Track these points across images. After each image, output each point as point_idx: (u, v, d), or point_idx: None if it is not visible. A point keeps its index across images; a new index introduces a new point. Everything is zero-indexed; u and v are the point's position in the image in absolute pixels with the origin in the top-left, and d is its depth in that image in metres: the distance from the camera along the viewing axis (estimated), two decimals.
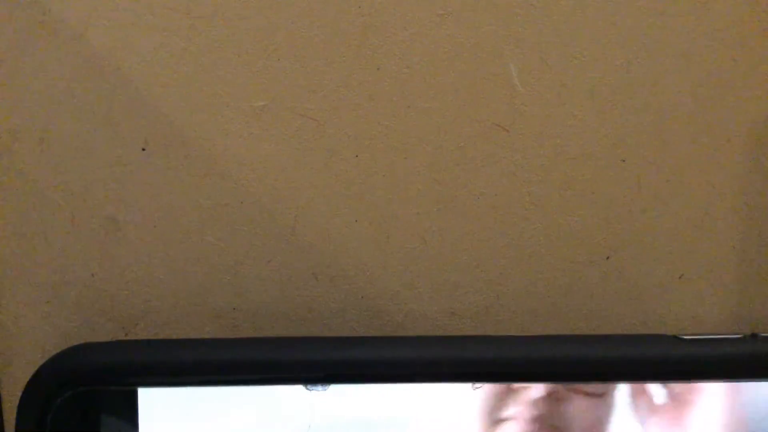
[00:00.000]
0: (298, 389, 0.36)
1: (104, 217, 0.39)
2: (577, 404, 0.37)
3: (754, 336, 0.37)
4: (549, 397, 0.37)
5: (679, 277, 0.41)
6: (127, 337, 0.39)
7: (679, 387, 0.37)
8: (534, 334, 0.40)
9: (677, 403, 0.37)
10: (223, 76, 0.38)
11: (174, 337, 0.39)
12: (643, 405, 0.37)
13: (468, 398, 0.37)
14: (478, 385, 0.37)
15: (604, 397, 0.37)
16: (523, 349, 0.37)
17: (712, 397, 0.37)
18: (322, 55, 0.38)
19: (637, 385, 0.37)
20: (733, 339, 0.37)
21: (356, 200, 0.39)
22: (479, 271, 0.40)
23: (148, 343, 0.37)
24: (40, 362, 0.36)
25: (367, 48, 0.38)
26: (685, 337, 0.37)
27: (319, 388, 0.36)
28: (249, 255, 0.39)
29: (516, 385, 0.36)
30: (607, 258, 0.40)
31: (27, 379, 0.36)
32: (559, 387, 0.37)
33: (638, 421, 0.37)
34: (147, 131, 0.38)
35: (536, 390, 0.37)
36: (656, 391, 0.37)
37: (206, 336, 0.40)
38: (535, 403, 0.37)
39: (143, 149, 0.38)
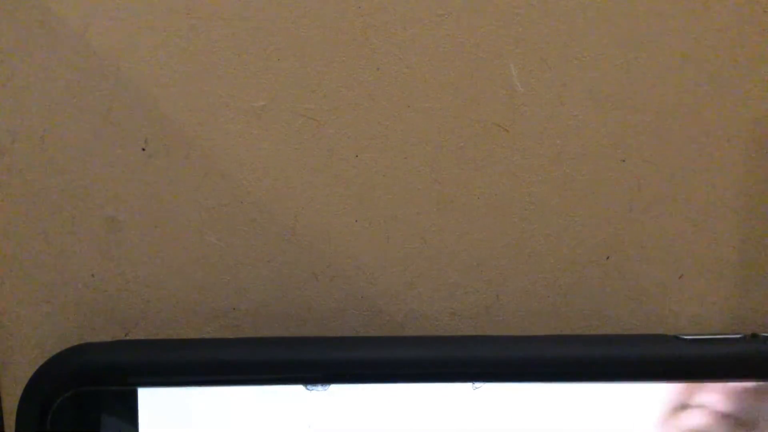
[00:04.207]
0: (298, 389, 0.36)
1: (104, 217, 0.39)
2: None
3: (754, 336, 0.37)
4: None
5: (679, 277, 0.41)
6: (127, 337, 0.39)
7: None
8: (534, 334, 0.40)
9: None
10: (223, 76, 0.38)
11: (174, 337, 0.39)
12: None
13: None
14: (478, 385, 0.37)
15: None
16: (523, 349, 0.37)
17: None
18: (322, 55, 0.38)
19: None
20: (733, 339, 0.37)
21: (356, 200, 0.39)
22: (479, 271, 0.40)
23: (148, 343, 0.38)
24: (40, 362, 0.36)
25: (367, 48, 0.38)
26: (685, 337, 0.37)
27: (319, 388, 0.36)
28: (249, 255, 0.39)
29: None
30: (607, 258, 0.40)
31: (27, 379, 0.36)
32: None
33: None
34: (147, 131, 0.38)
35: None
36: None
37: (206, 336, 0.40)
38: None
39: (143, 149, 0.38)
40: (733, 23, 0.39)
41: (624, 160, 0.40)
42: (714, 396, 0.37)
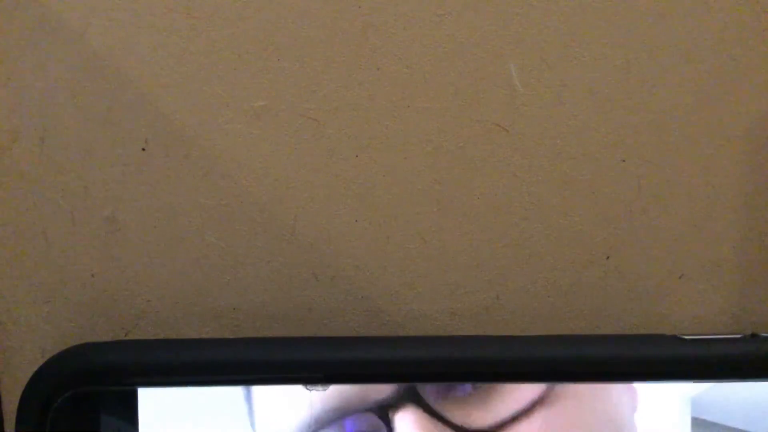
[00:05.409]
0: (298, 389, 0.36)
1: (104, 217, 0.39)
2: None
3: (754, 336, 0.37)
4: None
5: (679, 277, 0.41)
6: (127, 337, 0.39)
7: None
8: (534, 334, 0.40)
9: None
10: (223, 76, 0.38)
11: (174, 337, 0.39)
12: None
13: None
14: (478, 384, 0.37)
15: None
16: (523, 349, 0.37)
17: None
18: (322, 55, 0.38)
19: None
20: (733, 339, 0.37)
21: (356, 200, 0.39)
22: (479, 271, 0.40)
23: (148, 343, 0.38)
24: (40, 362, 0.36)
25: (367, 48, 0.38)
26: (685, 337, 0.37)
27: (319, 388, 0.36)
28: (249, 255, 0.39)
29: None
30: (607, 258, 0.40)
31: (27, 379, 0.36)
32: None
33: None
34: (147, 131, 0.38)
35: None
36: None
37: (206, 336, 0.40)
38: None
39: (143, 149, 0.38)
40: (733, 23, 0.39)
41: (624, 160, 0.40)
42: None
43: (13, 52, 0.37)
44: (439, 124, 0.39)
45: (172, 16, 0.37)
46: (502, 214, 0.40)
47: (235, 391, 0.36)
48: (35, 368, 0.36)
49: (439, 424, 0.36)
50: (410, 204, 0.39)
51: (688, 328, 0.41)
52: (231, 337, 0.39)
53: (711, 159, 0.40)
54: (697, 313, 0.41)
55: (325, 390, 0.36)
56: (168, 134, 0.38)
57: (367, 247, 0.40)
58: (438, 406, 0.36)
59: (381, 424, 0.36)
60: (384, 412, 0.36)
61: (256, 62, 0.38)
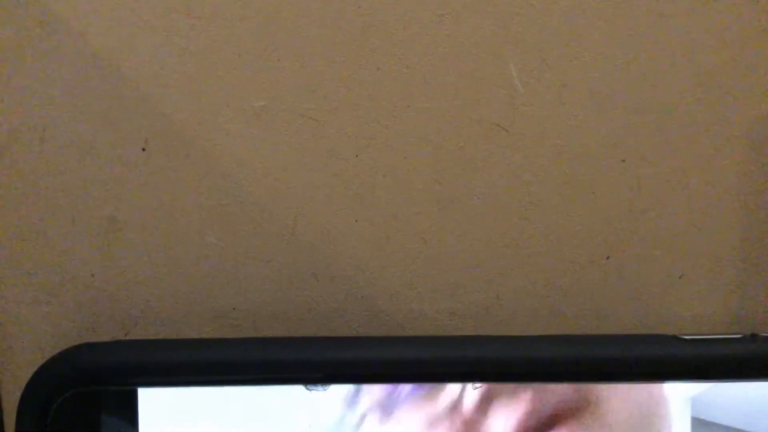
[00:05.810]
0: (298, 389, 0.36)
1: (104, 217, 0.39)
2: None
3: (754, 336, 0.37)
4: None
5: (679, 277, 0.41)
6: (127, 337, 0.39)
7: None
8: (534, 334, 0.40)
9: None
10: (223, 76, 0.38)
11: (174, 337, 0.39)
12: None
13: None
14: (477, 385, 0.37)
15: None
16: (523, 349, 0.37)
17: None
18: (322, 55, 0.38)
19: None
20: (733, 339, 0.37)
21: (356, 200, 0.39)
22: (479, 271, 0.40)
23: (148, 343, 0.37)
24: (40, 362, 0.36)
25: (367, 48, 0.38)
26: (685, 337, 0.37)
27: (319, 388, 0.36)
28: (249, 255, 0.39)
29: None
30: (607, 258, 0.40)
31: (27, 379, 0.36)
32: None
33: None
34: (147, 131, 0.38)
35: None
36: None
37: (206, 336, 0.40)
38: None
39: (143, 149, 0.38)
40: (733, 23, 0.39)
41: (624, 160, 0.40)
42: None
43: (13, 52, 0.37)
44: (439, 124, 0.39)
45: (172, 16, 0.37)
46: (502, 214, 0.40)
47: (236, 391, 0.36)
48: (35, 368, 0.36)
49: None
50: (410, 204, 0.39)
51: (688, 328, 0.41)
52: (231, 337, 0.39)
53: (711, 159, 0.40)
54: (697, 313, 0.41)
55: (325, 390, 0.36)
56: (168, 134, 0.38)
57: (367, 247, 0.40)
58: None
59: None
60: None
61: (256, 62, 0.38)
